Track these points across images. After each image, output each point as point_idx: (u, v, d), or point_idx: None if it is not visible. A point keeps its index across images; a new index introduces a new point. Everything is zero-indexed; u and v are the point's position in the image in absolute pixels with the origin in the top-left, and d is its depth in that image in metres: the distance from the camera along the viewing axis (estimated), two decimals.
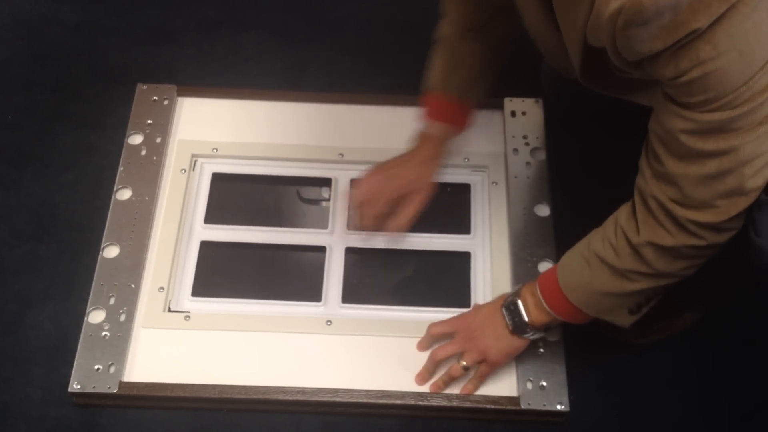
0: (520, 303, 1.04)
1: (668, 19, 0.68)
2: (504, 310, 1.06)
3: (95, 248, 1.22)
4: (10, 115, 1.41)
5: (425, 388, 1.11)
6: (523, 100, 1.36)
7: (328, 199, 1.29)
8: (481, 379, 1.11)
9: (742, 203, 0.84)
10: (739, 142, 0.78)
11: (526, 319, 1.04)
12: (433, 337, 1.13)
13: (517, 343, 1.07)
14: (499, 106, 1.36)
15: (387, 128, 1.34)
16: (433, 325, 1.13)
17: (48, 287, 1.24)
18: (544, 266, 1.20)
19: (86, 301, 1.16)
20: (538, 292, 1.03)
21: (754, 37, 0.71)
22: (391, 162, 1.23)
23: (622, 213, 0.94)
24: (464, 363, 1.09)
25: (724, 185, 0.82)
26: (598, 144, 1.36)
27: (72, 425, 1.13)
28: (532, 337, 1.07)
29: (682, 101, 0.77)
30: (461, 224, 1.28)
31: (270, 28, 1.54)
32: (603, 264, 0.95)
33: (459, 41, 1.13)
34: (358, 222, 1.25)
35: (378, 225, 1.23)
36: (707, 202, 0.84)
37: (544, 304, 1.02)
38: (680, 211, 0.85)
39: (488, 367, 1.09)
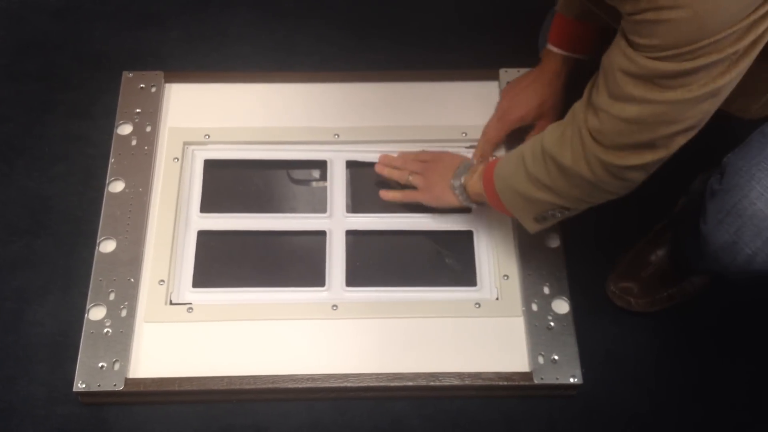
0: (463, 179, 1.13)
1: None
2: (457, 168, 1.15)
3: (92, 240, 1.19)
4: None
5: (439, 368, 1.10)
6: (519, 70, 1.34)
7: (325, 182, 1.27)
8: (405, 197, 1.22)
9: (647, 157, 0.87)
10: (664, 98, 0.80)
11: (463, 181, 1.13)
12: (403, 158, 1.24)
13: (449, 195, 1.16)
14: (495, 78, 1.34)
15: (382, 106, 1.31)
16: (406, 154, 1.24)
17: (46, 282, 1.22)
18: (550, 239, 1.20)
19: (86, 295, 1.15)
20: (481, 181, 1.10)
21: (714, 4, 0.71)
22: (515, 86, 1.24)
23: (553, 126, 0.98)
24: (410, 178, 1.21)
25: (638, 135, 0.85)
26: None
27: (79, 422, 1.12)
28: (459, 198, 1.16)
29: (630, 39, 0.79)
30: None
31: (258, 6, 1.51)
32: (521, 163, 1.00)
33: None
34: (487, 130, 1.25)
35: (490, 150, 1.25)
36: (616, 144, 0.87)
37: (481, 179, 1.10)
38: (589, 142, 0.89)
39: (416, 194, 1.20)
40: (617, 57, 0.82)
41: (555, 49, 1.19)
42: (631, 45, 0.79)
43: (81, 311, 1.14)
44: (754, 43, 0.77)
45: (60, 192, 1.29)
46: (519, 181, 1.01)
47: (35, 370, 1.15)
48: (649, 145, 0.86)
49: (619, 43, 0.82)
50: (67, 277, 1.22)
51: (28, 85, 1.40)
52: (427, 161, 1.22)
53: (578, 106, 0.93)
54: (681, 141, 0.86)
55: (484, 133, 1.25)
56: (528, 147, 1.01)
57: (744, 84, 0.93)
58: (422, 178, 1.20)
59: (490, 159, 1.21)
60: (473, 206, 1.19)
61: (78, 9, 1.49)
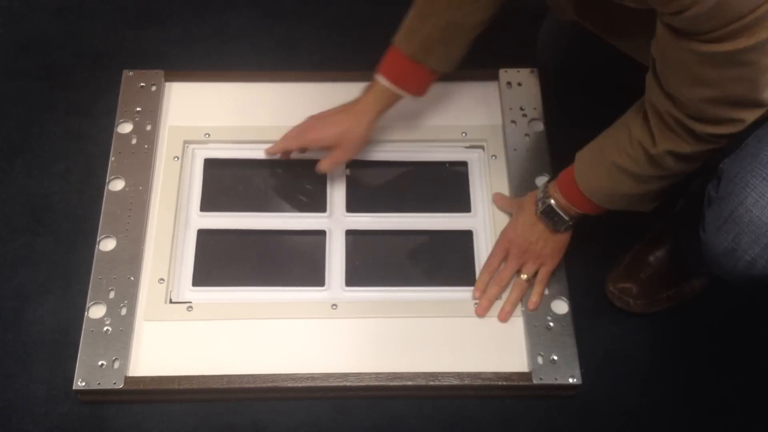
0: (554, 204, 1.10)
1: None
2: (542, 215, 1.12)
3: (92, 239, 1.19)
4: None
5: (438, 367, 1.10)
6: (518, 71, 1.34)
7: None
8: (544, 283, 1.16)
9: (758, 112, 0.87)
10: (742, 73, 0.80)
11: (566, 217, 1.11)
12: (490, 270, 1.17)
13: (563, 237, 1.14)
14: (494, 78, 1.34)
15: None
16: (489, 260, 1.18)
17: (46, 281, 1.22)
18: None
19: (86, 294, 1.15)
20: (562, 197, 1.09)
21: None
22: (331, 111, 1.21)
23: (635, 125, 0.97)
24: (525, 276, 1.15)
25: (737, 102, 0.85)
26: (595, 113, 1.34)
27: (79, 420, 1.12)
28: (572, 226, 1.13)
29: (684, 32, 0.79)
30: (461, 202, 1.26)
31: (259, 5, 1.51)
32: (624, 173, 1.00)
33: (429, 4, 1.10)
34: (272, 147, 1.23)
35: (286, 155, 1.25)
36: (723, 117, 0.87)
37: (570, 205, 1.09)
38: (699, 127, 0.89)
39: (547, 269, 1.16)
40: (679, 52, 0.82)
41: (383, 80, 1.15)
42: (687, 36, 0.79)
43: (81, 309, 1.14)
44: None
45: (60, 190, 1.30)
46: (626, 188, 1.01)
47: (35, 368, 1.15)
48: (748, 104, 0.86)
49: (674, 40, 0.81)
50: (67, 276, 1.22)
51: (29, 83, 1.40)
52: (508, 251, 1.16)
53: (655, 100, 0.92)
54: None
55: (284, 138, 1.22)
56: (616, 156, 0.99)
57: None
58: (533, 261, 1.15)
59: None
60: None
61: (78, 7, 1.49)
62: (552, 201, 1.10)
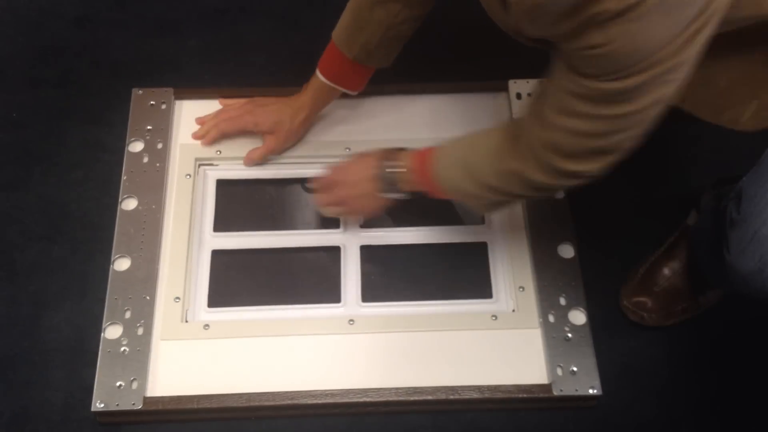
0: (398, 172, 1.10)
1: (565, 7, 0.72)
2: (379, 179, 1.12)
3: (108, 246, 1.20)
4: (15, 113, 1.38)
5: (457, 381, 1.09)
6: (528, 81, 1.35)
7: None
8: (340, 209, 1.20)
9: (600, 161, 0.91)
10: (613, 112, 0.82)
11: (401, 189, 1.12)
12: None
13: (383, 201, 1.15)
14: (504, 89, 1.34)
15: (393, 119, 1.32)
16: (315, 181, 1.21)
17: (63, 288, 1.22)
18: (564, 250, 1.20)
19: (102, 302, 1.15)
20: (412, 174, 1.09)
21: (643, 34, 0.73)
22: (265, 99, 1.27)
23: (495, 136, 1.00)
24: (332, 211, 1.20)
25: (592, 143, 0.88)
26: None
27: (94, 429, 1.11)
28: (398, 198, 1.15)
29: (573, 66, 0.81)
30: (475, 214, 1.26)
31: (274, 16, 1.51)
32: (469, 172, 1.02)
33: (367, 8, 1.12)
34: (200, 135, 1.28)
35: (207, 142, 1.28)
36: (571, 153, 0.90)
37: (414, 180, 1.10)
38: (543, 153, 0.91)
39: (350, 215, 1.21)
40: (562, 81, 0.84)
41: (322, 79, 1.20)
42: (574, 71, 0.82)
43: (97, 318, 1.14)
44: (693, 54, 0.79)
45: (77, 198, 1.30)
46: (468, 186, 1.03)
47: (51, 375, 1.15)
48: (603, 152, 0.89)
49: (561, 68, 0.84)
50: (84, 283, 1.22)
51: (47, 91, 1.41)
52: (335, 185, 1.18)
53: (527, 121, 0.94)
54: (631, 144, 0.89)
55: (223, 118, 1.27)
56: (471, 155, 1.03)
57: (726, 94, 0.95)
58: (348, 211, 1.20)
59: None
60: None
61: (96, 17, 1.50)
62: (394, 168, 1.11)
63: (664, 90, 0.81)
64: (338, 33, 1.17)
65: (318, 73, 1.21)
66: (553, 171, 0.92)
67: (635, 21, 0.71)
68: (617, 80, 0.78)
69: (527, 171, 0.94)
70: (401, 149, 1.13)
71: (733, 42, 0.92)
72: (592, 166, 0.91)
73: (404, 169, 1.10)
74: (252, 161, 1.27)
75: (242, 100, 1.29)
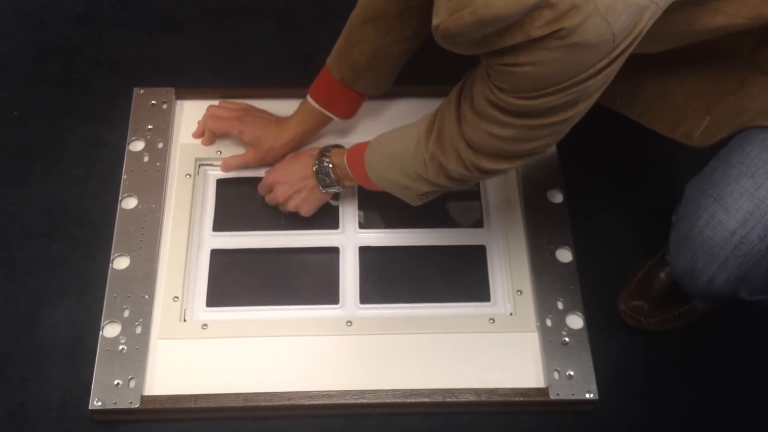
0: (331, 173, 1.16)
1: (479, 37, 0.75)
2: (316, 173, 1.17)
3: (107, 245, 1.20)
4: (16, 110, 1.38)
5: (454, 383, 1.10)
6: None
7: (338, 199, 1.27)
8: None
9: (514, 163, 0.96)
10: (524, 123, 0.86)
11: (339, 184, 1.18)
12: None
13: (325, 196, 1.21)
14: None
15: (392, 121, 1.31)
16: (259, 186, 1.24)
17: (62, 286, 1.22)
18: (562, 254, 1.20)
19: (101, 300, 1.15)
20: (348, 169, 1.14)
21: (555, 65, 0.76)
22: (261, 111, 1.28)
23: (423, 124, 1.02)
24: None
25: (505, 147, 0.92)
26: (607, 126, 1.35)
27: (91, 426, 1.11)
28: (336, 192, 1.21)
29: (491, 76, 0.84)
30: (474, 217, 1.27)
31: (276, 16, 1.52)
32: (397, 161, 1.06)
33: (358, 27, 1.13)
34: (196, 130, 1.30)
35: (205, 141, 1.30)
36: (487, 152, 0.94)
37: (351, 174, 1.15)
38: (463, 147, 0.95)
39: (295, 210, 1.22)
40: (481, 85, 0.87)
41: (312, 103, 1.21)
42: (491, 81, 0.84)
43: (96, 316, 1.14)
44: (596, 89, 0.83)
45: (77, 196, 1.30)
46: (396, 176, 1.07)
47: (49, 372, 1.15)
48: (519, 156, 0.94)
49: (482, 74, 0.86)
50: (83, 281, 1.22)
51: (48, 89, 1.41)
52: (276, 185, 1.22)
53: (449, 113, 0.96)
54: (548, 149, 0.95)
55: (211, 114, 1.28)
56: (399, 144, 1.06)
57: (681, 109, 0.98)
58: (291, 206, 1.22)
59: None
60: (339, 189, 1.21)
61: (98, 15, 1.50)
62: (330, 164, 1.16)
63: (571, 113, 0.85)
64: (331, 55, 1.17)
65: (308, 95, 1.21)
66: (470, 165, 0.96)
67: (547, 50, 0.74)
68: (529, 99, 0.82)
69: (447, 162, 0.98)
70: (337, 146, 1.19)
71: (687, 57, 0.94)
72: (505, 166, 0.96)
73: (340, 164, 1.15)
74: (228, 167, 1.28)
75: (240, 103, 1.30)
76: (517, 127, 0.87)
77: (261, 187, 1.24)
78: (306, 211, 1.22)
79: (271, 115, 1.27)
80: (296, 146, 1.25)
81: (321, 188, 1.19)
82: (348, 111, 1.22)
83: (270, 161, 1.26)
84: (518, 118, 0.86)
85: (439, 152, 0.98)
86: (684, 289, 0.98)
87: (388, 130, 1.10)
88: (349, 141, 1.24)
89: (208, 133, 1.29)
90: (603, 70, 0.79)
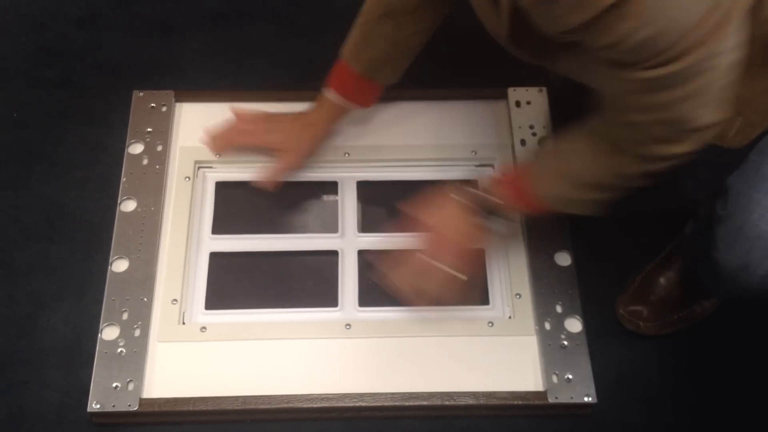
0: (502, 214, 1.10)
1: None
2: (488, 224, 1.10)
3: (107, 247, 1.20)
4: (16, 113, 1.39)
5: (453, 387, 1.10)
6: (527, 89, 1.35)
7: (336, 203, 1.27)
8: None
9: (703, 137, 0.87)
10: (674, 96, 0.80)
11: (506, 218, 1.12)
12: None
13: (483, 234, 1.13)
14: (503, 97, 1.35)
15: (392, 124, 1.32)
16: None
17: (61, 288, 1.22)
18: (561, 258, 1.21)
19: (100, 302, 1.15)
20: (516, 206, 1.09)
21: (672, 11, 0.71)
22: (280, 115, 1.26)
23: (579, 142, 0.98)
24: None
25: (667, 130, 0.86)
26: None
27: (90, 429, 1.11)
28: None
29: (616, 62, 0.78)
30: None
31: (276, 20, 1.52)
32: (572, 181, 1.00)
33: (375, 21, 1.13)
34: (209, 141, 1.27)
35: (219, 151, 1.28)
36: (655, 139, 0.88)
37: (518, 211, 1.11)
38: (642, 149, 0.90)
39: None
40: (614, 85, 0.84)
41: (332, 95, 1.20)
42: (620, 67, 0.79)
43: (94, 318, 1.14)
44: (729, 43, 0.77)
45: (76, 198, 1.30)
46: (574, 192, 1.02)
47: (48, 375, 1.15)
48: (694, 128, 0.86)
49: (605, 73, 0.83)
50: (82, 284, 1.22)
51: (48, 91, 1.41)
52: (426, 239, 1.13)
53: (600, 126, 0.94)
54: (715, 118, 0.86)
55: (237, 130, 1.26)
56: (564, 165, 1.01)
57: None
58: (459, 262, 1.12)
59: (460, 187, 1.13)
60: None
61: (99, 18, 1.50)
62: (500, 209, 1.09)
63: (710, 75, 0.79)
64: (346, 48, 1.17)
65: (326, 89, 1.20)
66: (645, 160, 0.91)
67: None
68: (666, 64, 0.76)
69: (624, 168, 0.94)
70: (468, 186, 1.11)
71: None
72: (688, 145, 0.88)
73: (504, 204, 1.09)
74: (272, 178, 1.25)
75: (256, 112, 1.28)
76: (668, 105, 0.82)
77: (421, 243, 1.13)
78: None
79: (286, 115, 1.26)
80: (321, 139, 1.26)
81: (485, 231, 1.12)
82: (370, 101, 1.23)
83: (302, 158, 1.25)
84: (667, 90, 0.80)
85: (619, 162, 0.94)
86: (733, 287, 0.96)
87: (523, 165, 1.07)
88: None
89: (229, 147, 1.27)
90: (717, 29, 0.73)
